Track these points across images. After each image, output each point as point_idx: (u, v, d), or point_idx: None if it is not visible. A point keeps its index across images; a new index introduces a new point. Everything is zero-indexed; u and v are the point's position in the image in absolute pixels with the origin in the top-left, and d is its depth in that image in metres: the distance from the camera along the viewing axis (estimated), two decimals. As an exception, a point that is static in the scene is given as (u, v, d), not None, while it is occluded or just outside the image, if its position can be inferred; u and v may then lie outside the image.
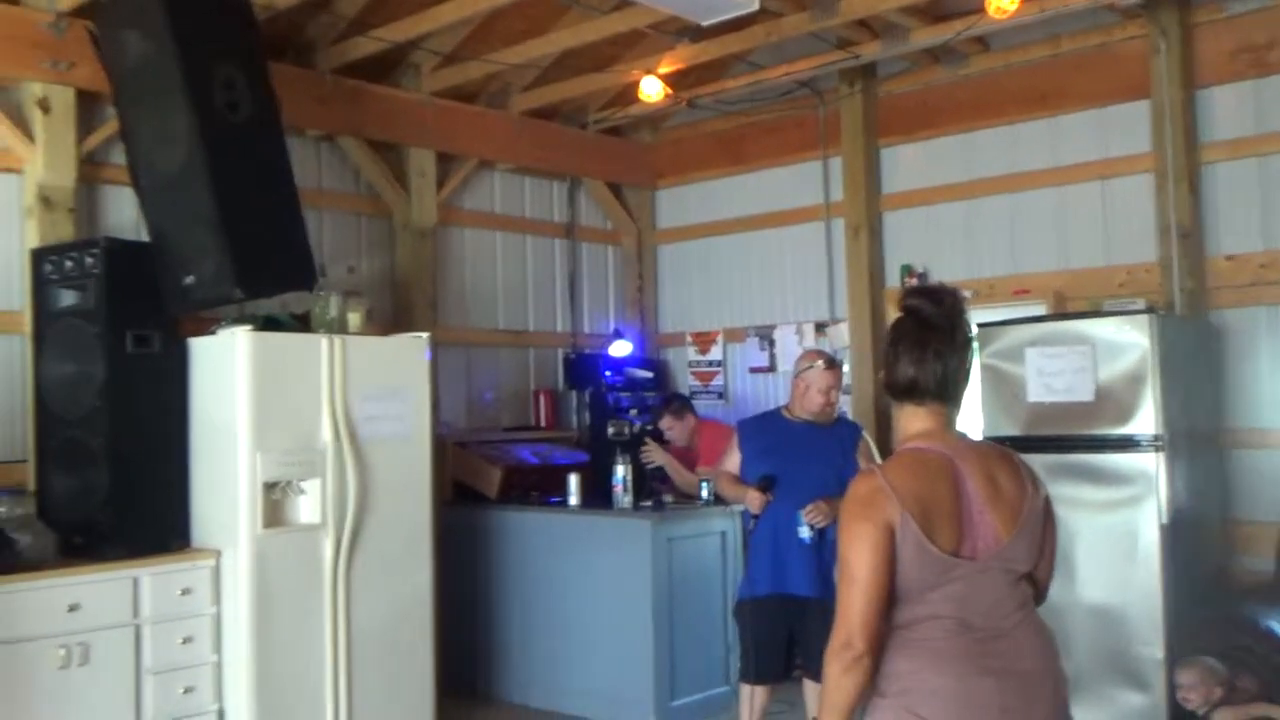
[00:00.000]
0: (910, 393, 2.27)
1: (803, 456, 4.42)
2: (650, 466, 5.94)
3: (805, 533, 4.27)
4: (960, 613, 2.15)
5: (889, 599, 2.12)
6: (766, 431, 4.59)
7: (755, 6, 4.73)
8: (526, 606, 5.86)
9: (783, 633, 4.42)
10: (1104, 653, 4.59)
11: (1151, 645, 4.52)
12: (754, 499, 4.35)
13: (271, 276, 4.66)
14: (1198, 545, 4.87)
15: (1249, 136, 5.29)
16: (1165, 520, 4.57)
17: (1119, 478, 4.67)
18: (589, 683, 5.57)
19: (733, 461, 4.60)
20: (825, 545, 4.41)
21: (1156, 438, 4.60)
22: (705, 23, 4.87)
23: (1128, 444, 4.65)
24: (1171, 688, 4.36)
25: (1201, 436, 5.05)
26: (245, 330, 4.68)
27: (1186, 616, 4.57)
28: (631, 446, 6.15)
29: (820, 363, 4.46)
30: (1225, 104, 5.35)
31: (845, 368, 6.52)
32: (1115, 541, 4.62)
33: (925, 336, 2.25)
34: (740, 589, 4.61)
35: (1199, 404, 5.04)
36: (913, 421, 2.28)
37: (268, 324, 4.87)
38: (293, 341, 4.86)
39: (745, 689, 4.46)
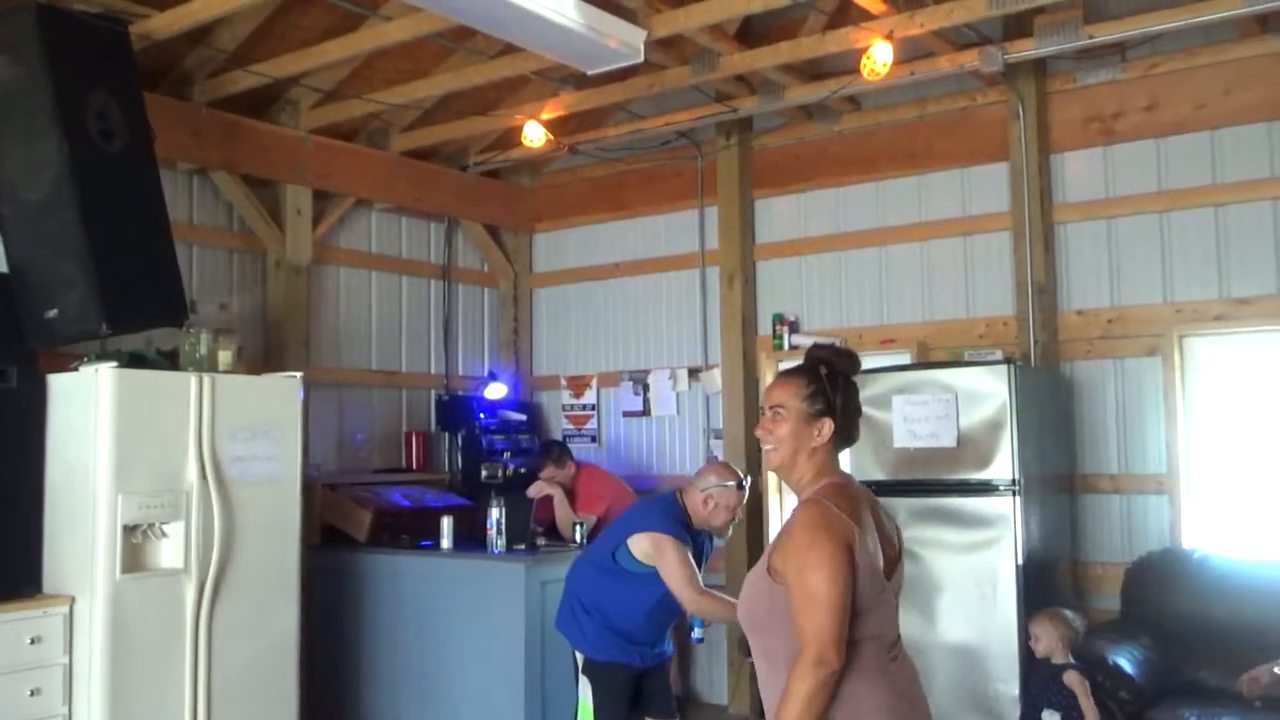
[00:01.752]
0: (850, 440, 2.54)
1: (698, 562, 4.46)
2: (537, 496, 6.00)
3: (699, 634, 4.40)
4: (889, 634, 2.35)
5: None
6: (690, 540, 4.37)
7: (641, 59, 4.83)
8: (395, 651, 5.76)
9: (631, 690, 4.44)
10: (963, 690, 4.75)
11: (1008, 682, 4.70)
12: None
13: (140, 311, 4.53)
14: (1050, 585, 5.09)
15: (1099, 199, 5.62)
16: (1020, 561, 4.78)
17: (978, 520, 4.87)
18: (460, 729, 5.50)
19: (691, 564, 4.29)
20: None
21: (1013, 482, 4.82)
22: (591, 72, 4.95)
23: (986, 488, 4.86)
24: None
25: (1053, 481, 5.30)
26: (109, 367, 4.52)
27: (1041, 655, 4.77)
28: (504, 490, 6.13)
29: (733, 484, 4.28)
30: (1077, 168, 5.68)
31: (720, 415, 6.68)
32: (974, 582, 4.81)
33: (855, 390, 2.55)
34: (589, 645, 4.43)
35: (1051, 451, 5.30)
36: (832, 462, 2.52)
37: (133, 361, 4.70)
38: (160, 379, 4.71)
39: None
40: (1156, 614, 4.81)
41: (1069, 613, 4.58)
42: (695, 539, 4.38)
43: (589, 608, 4.43)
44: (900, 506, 5.01)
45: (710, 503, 4.29)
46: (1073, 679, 4.35)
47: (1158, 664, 4.60)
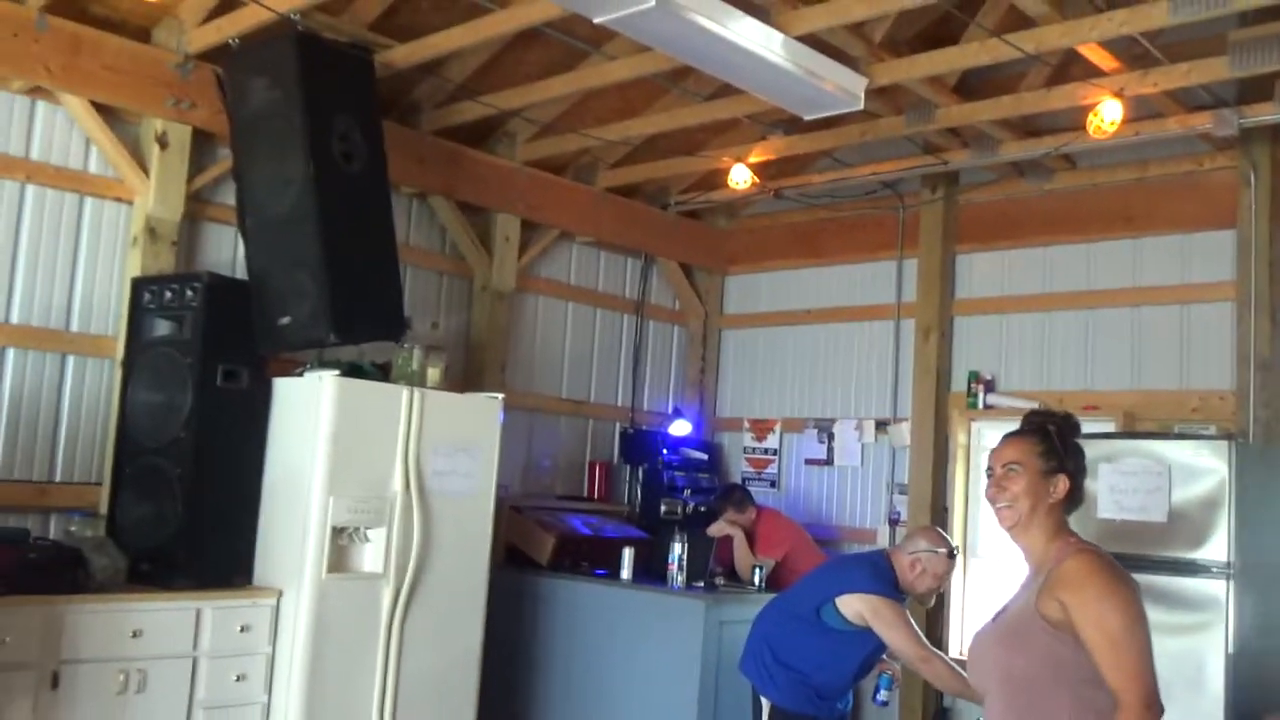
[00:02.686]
0: (1078, 503, 2.57)
1: None
2: (718, 536, 6.01)
3: (884, 696, 4.33)
4: None
5: None
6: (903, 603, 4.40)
7: (859, 106, 4.84)
8: (570, 677, 5.83)
9: None
10: (1162, 781, 4.50)
11: (1212, 777, 4.45)
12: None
13: (364, 324, 4.76)
14: (1266, 679, 4.79)
15: (1334, 273, 5.33)
16: (1231, 650, 4.52)
17: (1188, 602, 4.62)
18: (627, 761, 5.52)
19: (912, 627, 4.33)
20: None
21: (1228, 564, 4.57)
22: (808, 117, 4.98)
23: (1198, 569, 4.62)
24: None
25: (1272, 568, 5.00)
26: (332, 374, 4.77)
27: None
28: (685, 526, 6.16)
29: (944, 551, 4.28)
30: (1311, 241, 5.40)
31: (905, 469, 6.57)
32: (1180, 667, 4.56)
33: (1082, 452, 2.59)
34: (784, 696, 4.44)
35: (1272, 535, 5.00)
36: (1066, 524, 2.55)
37: (351, 371, 4.95)
38: (375, 390, 4.94)
39: None
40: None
41: None
42: (901, 602, 4.34)
43: (784, 660, 4.42)
44: (1101, 579, 4.81)
45: (918, 567, 4.27)
46: None
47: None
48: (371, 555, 4.90)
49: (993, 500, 2.57)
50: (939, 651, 4.25)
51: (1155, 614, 4.61)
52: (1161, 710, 2.25)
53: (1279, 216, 5.45)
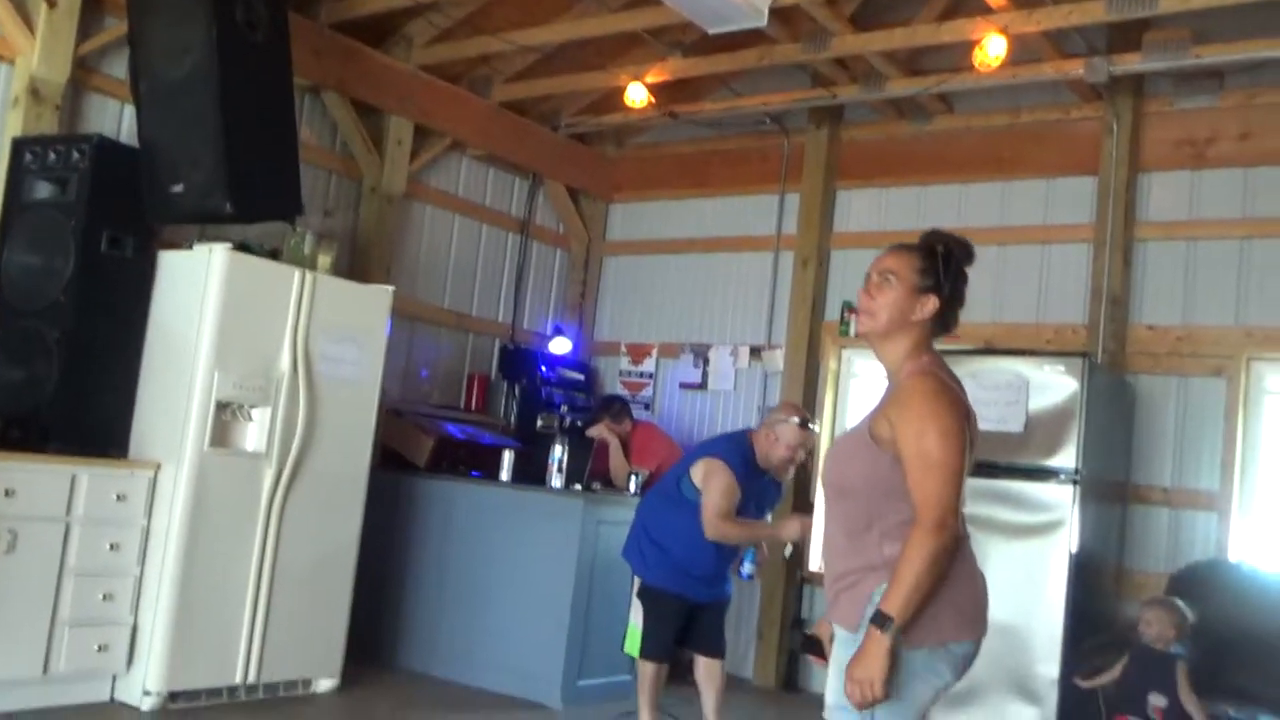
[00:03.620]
0: (947, 328, 2.53)
1: (760, 505, 4.58)
2: (597, 438, 6.17)
3: (748, 570, 4.48)
4: (964, 509, 2.39)
5: None
6: (749, 477, 4.48)
7: (764, 22, 4.99)
8: (444, 577, 5.88)
9: (682, 621, 4.54)
10: (1003, 669, 4.85)
11: (1049, 663, 4.81)
12: (794, 524, 4.38)
13: (261, 199, 4.70)
14: (1096, 582, 5.20)
15: (1181, 220, 5.75)
16: (1074, 550, 4.90)
17: (1037, 506, 4.98)
18: (498, 658, 5.61)
19: (734, 496, 4.42)
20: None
21: (1076, 472, 4.94)
22: (713, 31, 5.10)
23: (1049, 474, 4.98)
24: (1063, 700, 4.67)
25: (1109, 484, 5.42)
26: (223, 247, 4.70)
27: (1081, 643, 4.88)
28: (563, 434, 6.27)
29: (795, 419, 4.39)
30: (1164, 189, 5.82)
31: (777, 394, 6.81)
32: (1026, 565, 4.91)
33: (965, 280, 2.53)
34: (647, 571, 4.56)
35: (1109, 455, 5.41)
36: (929, 344, 2.52)
37: (240, 249, 4.89)
38: (267, 268, 4.90)
39: (648, 667, 4.53)
40: (1200, 619, 4.90)
41: (1181, 603, 4.67)
42: (758, 480, 4.48)
43: (654, 537, 4.56)
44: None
45: (772, 437, 4.39)
46: (1182, 669, 4.46)
47: (1198, 666, 4.69)
48: (255, 434, 4.87)
49: (859, 306, 2.55)
50: (746, 522, 4.40)
51: (1008, 515, 5.01)
52: (953, 533, 2.27)
53: (1136, 165, 5.85)
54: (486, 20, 6.21)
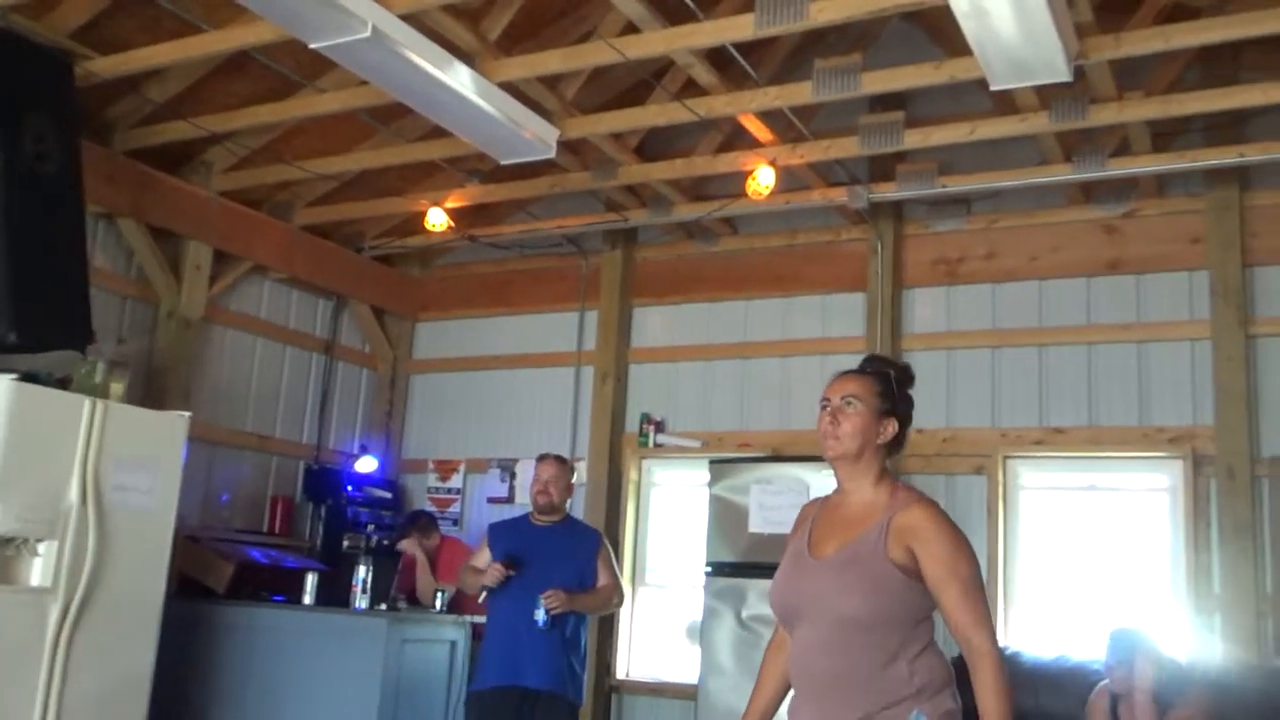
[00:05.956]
0: (899, 449, 2.62)
1: (547, 554, 4.76)
2: (405, 551, 6.23)
3: (541, 615, 4.55)
4: None
5: None
6: (516, 533, 4.89)
7: (552, 154, 5.31)
8: (244, 704, 5.73)
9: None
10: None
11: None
12: (494, 570, 4.63)
13: (49, 329, 4.68)
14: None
15: (941, 332, 6.31)
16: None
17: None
18: (302, 784, 5.50)
19: (482, 559, 4.88)
20: (562, 639, 4.73)
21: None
22: (505, 161, 5.40)
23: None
24: None
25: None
26: (8, 378, 4.62)
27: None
28: (369, 554, 6.28)
29: (547, 457, 4.90)
30: (924, 303, 6.38)
31: (582, 505, 7.00)
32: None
33: (912, 402, 2.65)
34: (473, 683, 4.80)
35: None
36: (887, 467, 2.60)
37: (27, 378, 4.80)
38: (56, 397, 4.81)
39: None
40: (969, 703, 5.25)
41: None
42: (531, 533, 4.85)
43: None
44: (750, 588, 5.43)
45: (531, 480, 4.87)
46: None
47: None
48: (40, 569, 4.72)
49: (824, 432, 2.58)
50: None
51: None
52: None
53: (900, 282, 6.41)
54: (286, 148, 6.35)
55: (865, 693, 2.41)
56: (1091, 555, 5.79)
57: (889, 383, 2.59)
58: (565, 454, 7.15)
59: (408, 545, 6.29)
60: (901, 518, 2.45)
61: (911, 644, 2.42)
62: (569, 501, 4.93)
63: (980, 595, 2.40)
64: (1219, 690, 4.71)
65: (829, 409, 2.58)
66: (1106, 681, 4.67)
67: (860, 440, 2.53)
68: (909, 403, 2.61)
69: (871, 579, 2.43)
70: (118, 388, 5.19)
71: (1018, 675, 5.26)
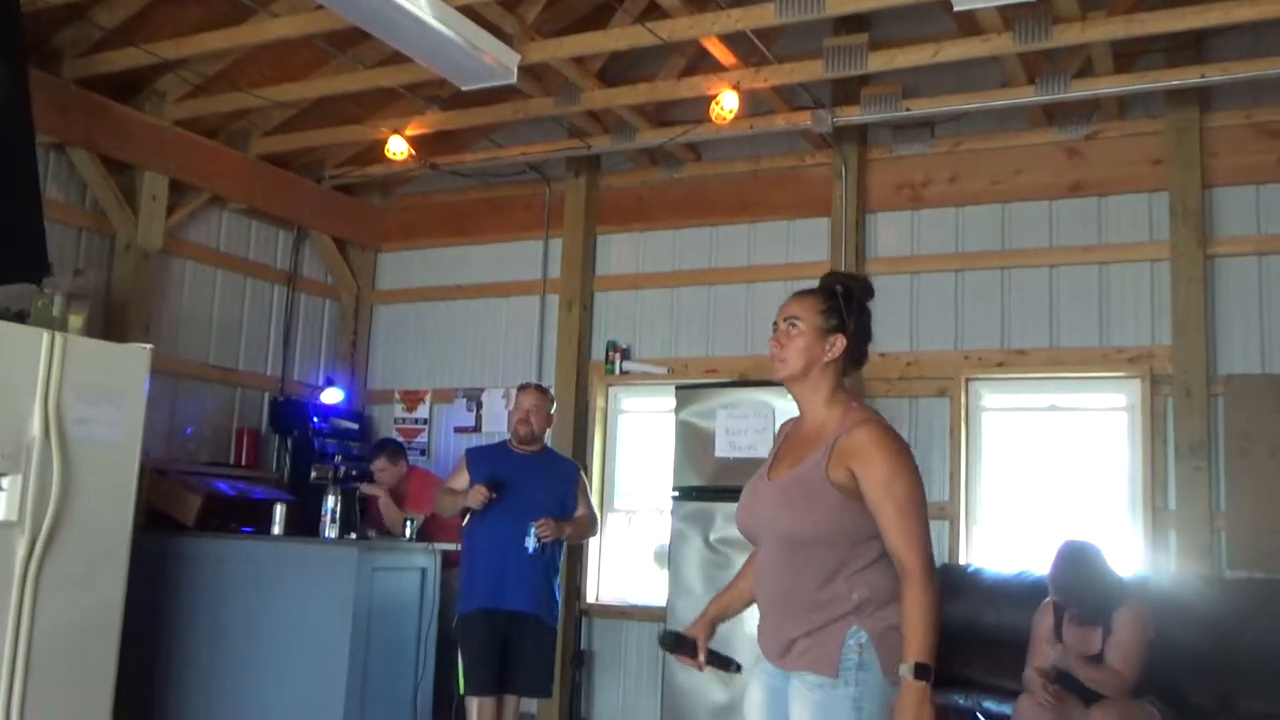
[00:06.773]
0: (858, 363, 2.65)
1: (528, 482, 4.81)
2: (363, 495, 6.15)
3: (531, 544, 4.64)
4: None
5: None
6: (496, 458, 4.94)
7: (512, 80, 5.24)
8: (216, 636, 5.76)
9: (498, 648, 4.70)
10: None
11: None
12: (477, 492, 4.67)
13: (3, 263, 4.60)
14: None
15: (905, 256, 6.33)
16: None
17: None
18: (275, 715, 5.55)
19: (460, 481, 4.91)
20: (545, 565, 4.80)
21: (820, 492, 5.34)
22: (465, 88, 5.32)
23: (796, 496, 5.37)
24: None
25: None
26: (-37, 313, 4.56)
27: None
28: (338, 484, 6.28)
29: (529, 386, 5.05)
30: (888, 227, 6.39)
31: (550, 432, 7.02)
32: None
33: (869, 314, 2.66)
34: (458, 604, 4.84)
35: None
36: (842, 383, 2.63)
37: (-19, 313, 4.75)
38: (12, 331, 4.75)
39: (472, 703, 4.66)
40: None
41: None
42: (509, 457, 4.97)
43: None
44: (717, 511, 5.49)
45: (512, 409, 5.04)
46: None
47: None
48: (5, 503, 4.70)
49: (772, 354, 2.61)
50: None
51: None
52: (935, 573, 2.39)
53: (864, 206, 6.41)
54: (241, 75, 6.22)
55: (807, 608, 2.47)
56: (1051, 474, 5.89)
57: (835, 298, 2.59)
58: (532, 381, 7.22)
59: (366, 489, 6.25)
60: (846, 439, 2.48)
61: (853, 561, 2.45)
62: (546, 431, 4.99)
63: (915, 515, 2.40)
64: (1167, 602, 4.83)
65: (775, 331, 2.61)
66: (1052, 596, 4.75)
67: (805, 359, 2.56)
68: (864, 316, 2.61)
69: (808, 499, 2.47)
70: (76, 320, 5.13)
71: (980, 591, 5.39)
